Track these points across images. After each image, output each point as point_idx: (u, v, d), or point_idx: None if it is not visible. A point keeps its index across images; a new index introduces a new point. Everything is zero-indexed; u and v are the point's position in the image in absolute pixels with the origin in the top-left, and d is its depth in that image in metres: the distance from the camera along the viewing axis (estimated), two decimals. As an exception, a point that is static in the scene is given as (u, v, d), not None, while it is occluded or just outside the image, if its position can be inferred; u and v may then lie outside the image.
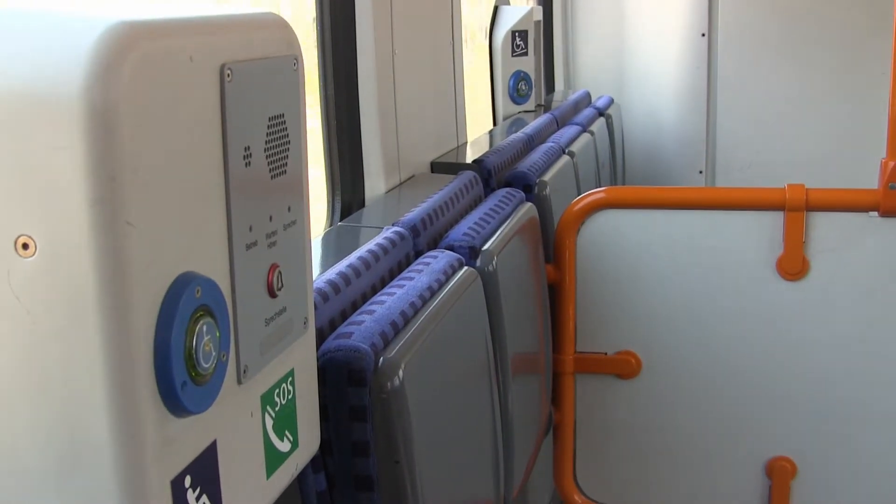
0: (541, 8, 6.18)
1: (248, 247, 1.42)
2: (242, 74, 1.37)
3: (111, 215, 1.12)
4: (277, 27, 1.54)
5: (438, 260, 2.48)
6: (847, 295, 3.62)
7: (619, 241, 3.68)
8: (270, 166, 1.47)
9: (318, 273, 2.24)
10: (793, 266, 3.60)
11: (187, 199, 1.26)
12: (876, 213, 3.57)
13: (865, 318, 3.62)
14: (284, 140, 1.51)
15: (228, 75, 1.33)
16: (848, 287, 3.62)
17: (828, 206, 3.58)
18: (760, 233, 3.60)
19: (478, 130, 4.97)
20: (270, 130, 1.47)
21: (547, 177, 3.87)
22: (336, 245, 2.88)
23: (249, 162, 1.40)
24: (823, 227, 3.59)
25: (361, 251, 2.38)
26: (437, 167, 3.90)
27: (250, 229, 1.42)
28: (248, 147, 1.40)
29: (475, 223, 2.89)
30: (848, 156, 6.31)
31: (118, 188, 1.12)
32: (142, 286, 1.17)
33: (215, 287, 1.31)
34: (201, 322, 1.26)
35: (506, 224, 3.06)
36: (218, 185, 1.34)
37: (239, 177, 1.37)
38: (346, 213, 3.35)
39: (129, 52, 1.13)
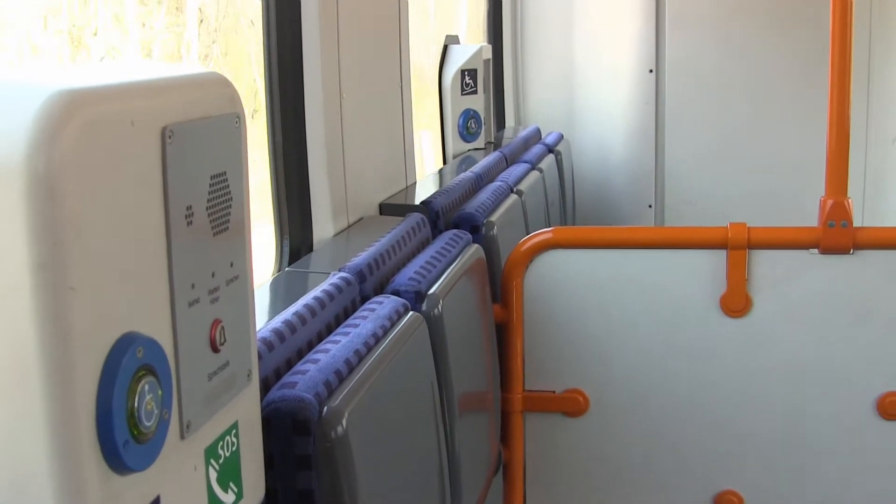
0: (490, 46, 6.23)
1: (191, 304, 1.44)
2: (184, 135, 1.39)
3: (54, 280, 1.15)
4: (219, 85, 1.57)
5: (384, 306, 2.51)
6: (790, 331, 3.69)
7: (566, 280, 3.72)
8: (213, 223, 1.50)
9: (265, 320, 2.27)
10: (736, 303, 3.65)
11: (129, 260, 1.29)
12: (816, 251, 3.64)
13: (808, 353, 3.68)
14: (227, 197, 1.53)
15: (170, 137, 1.36)
16: (790, 323, 3.68)
17: (769, 244, 3.65)
18: (704, 271, 3.66)
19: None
20: (212, 188, 1.49)
21: (494, 217, 3.91)
22: (284, 291, 2.91)
23: (191, 221, 1.43)
24: (765, 264, 3.65)
25: (307, 298, 2.41)
26: (386, 209, 3.93)
27: (192, 287, 1.44)
28: (190, 206, 1.42)
29: (421, 267, 2.92)
30: (793, 189, 6.40)
31: (61, 253, 1.15)
32: (84, 348, 1.19)
33: (157, 346, 1.33)
34: (143, 381, 1.28)
35: (452, 266, 3.09)
36: (160, 246, 1.36)
37: (181, 236, 1.40)
38: (294, 257, 3.36)
39: (71, 120, 1.16)
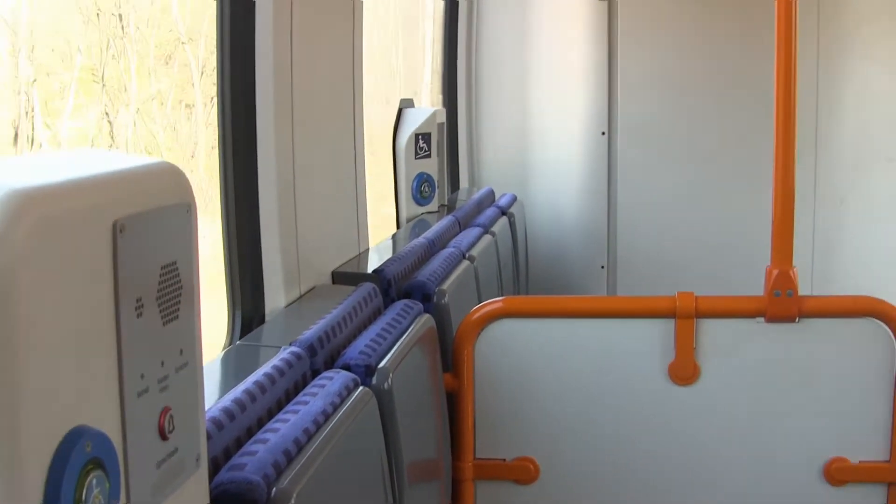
0: (444, 110, 6.29)
1: (140, 394, 1.45)
2: (135, 228, 1.41)
3: (4, 376, 1.16)
4: (170, 175, 1.59)
5: (334, 381, 2.52)
6: (737, 398, 3.73)
7: (516, 349, 3.75)
8: (162, 314, 1.51)
9: (216, 397, 2.27)
10: (684, 371, 3.70)
11: (79, 354, 1.30)
12: (762, 319, 3.70)
13: (756, 420, 3.73)
14: (177, 286, 1.55)
15: (121, 231, 1.38)
16: (738, 391, 3.73)
17: (716, 313, 3.70)
18: (653, 340, 3.70)
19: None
20: (163, 279, 1.51)
21: (446, 285, 3.93)
22: (234, 366, 2.92)
23: (141, 313, 1.44)
24: (713, 333, 3.70)
25: (258, 374, 2.42)
26: (338, 277, 3.95)
27: (142, 377, 1.46)
28: (140, 298, 1.44)
29: (372, 339, 2.94)
30: (743, 250, 6.46)
31: (12, 350, 1.16)
32: (33, 444, 1.21)
33: (106, 440, 1.34)
34: (91, 475, 1.29)
35: (403, 338, 3.11)
36: (109, 338, 1.37)
37: (130, 328, 1.41)
38: (246, 328, 3.37)
39: (23, 219, 1.18)
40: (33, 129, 3.29)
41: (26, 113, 3.26)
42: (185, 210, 1.60)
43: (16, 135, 3.26)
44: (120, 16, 3.75)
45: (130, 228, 1.40)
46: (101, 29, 3.64)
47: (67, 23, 3.58)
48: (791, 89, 3.66)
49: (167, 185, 1.57)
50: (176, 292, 1.55)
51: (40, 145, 3.34)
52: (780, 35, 3.66)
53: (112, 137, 3.66)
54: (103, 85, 3.64)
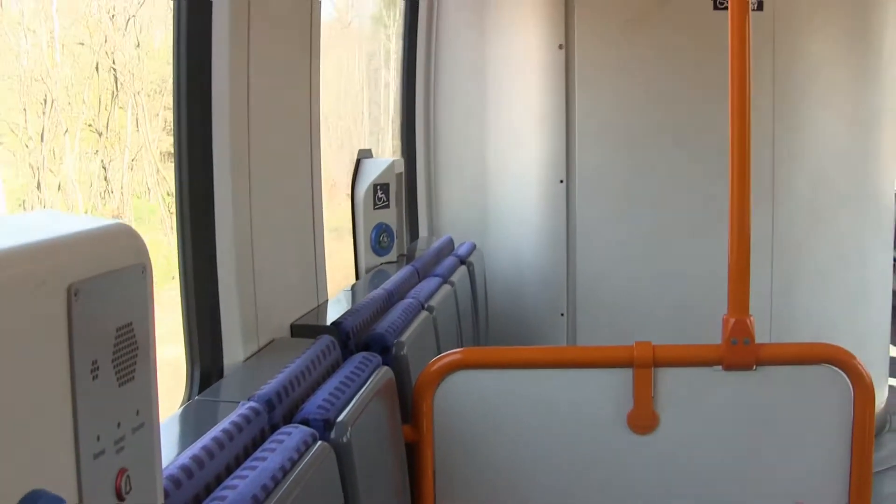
0: (402, 160, 6.31)
1: (96, 456, 1.45)
2: (90, 292, 1.42)
3: None
4: (125, 237, 1.60)
5: (292, 437, 2.52)
6: (696, 446, 3.75)
7: (475, 400, 3.76)
8: (118, 375, 1.52)
9: (175, 454, 2.27)
10: (643, 420, 3.72)
11: (35, 417, 1.30)
12: (720, 367, 3.73)
13: (715, 468, 3.75)
14: (133, 348, 1.56)
15: (76, 294, 1.38)
16: (697, 439, 3.75)
17: (674, 361, 3.73)
18: (611, 389, 3.72)
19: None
20: (118, 341, 1.52)
21: (405, 336, 3.94)
22: (194, 421, 2.91)
23: (97, 375, 1.45)
24: (671, 382, 3.73)
25: (216, 430, 2.42)
26: (297, 330, 3.94)
27: (98, 439, 1.46)
28: (96, 360, 1.44)
29: (330, 393, 2.94)
30: (701, 298, 6.50)
31: None
32: (-13, 510, 1.21)
33: (62, 503, 1.34)
34: (46, 539, 1.30)
35: (362, 391, 3.12)
36: (65, 402, 1.38)
37: (86, 391, 1.42)
38: (205, 383, 3.37)
39: None
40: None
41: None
42: (141, 271, 1.61)
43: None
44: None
45: (85, 292, 1.41)
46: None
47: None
48: (745, 138, 3.71)
49: (122, 246, 1.58)
50: (132, 353, 1.56)
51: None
52: (734, 84, 3.71)
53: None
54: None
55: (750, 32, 3.72)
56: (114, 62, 3.74)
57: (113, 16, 3.77)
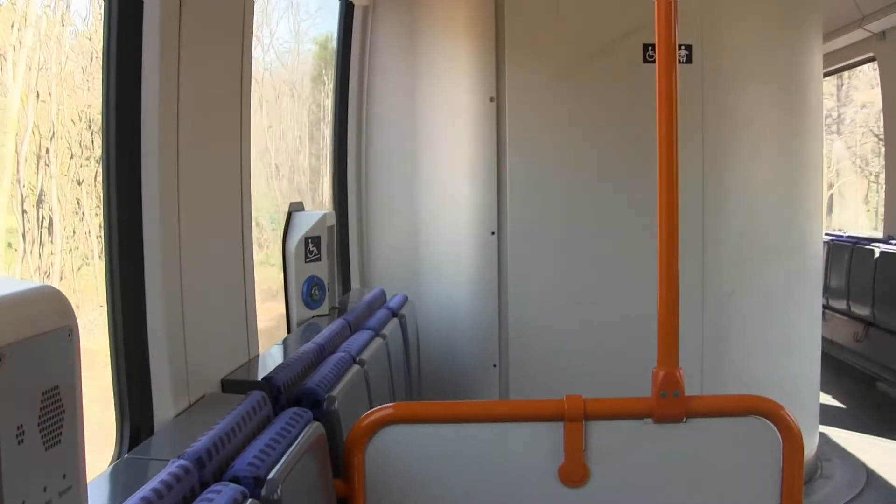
0: (334, 213, 6.32)
1: (22, 521, 1.44)
2: (15, 357, 1.41)
3: None
4: (52, 300, 1.59)
5: (222, 495, 2.51)
6: (627, 499, 3.77)
7: (407, 454, 3.75)
8: (44, 439, 1.50)
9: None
10: (574, 474, 3.73)
11: (-43, 484, 1.29)
12: (650, 420, 3.75)
13: None
14: (59, 411, 1.54)
15: (0, 360, 1.37)
16: (628, 492, 3.77)
17: (605, 415, 3.75)
18: (542, 443, 3.73)
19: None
20: (44, 405, 1.50)
21: (336, 391, 3.94)
22: (122, 481, 2.88)
23: (22, 439, 1.43)
24: (602, 435, 3.75)
25: (145, 489, 2.39)
26: (228, 385, 3.92)
27: None
28: (21, 425, 1.43)
29: (261, 450, 2.93)
30: (631, 349, 6.54)
31: None
32: None
33: None
34: None
35: (293, 447, 3.11)
36: None
37: (11, 455, 1.40)
38: (135, 440, 3.33)
39: None
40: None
41: None
42: (67, 334, 1.60)
43: None
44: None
45: (10, 357, 1.39)
46: None
47: None
48: (674, 190, 3.76)
49: (48, 310, 1.57)
50: (58, 417, 1.54)
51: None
52: (661, 136, 3.76)
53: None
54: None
55: (677, 85, 3.78)
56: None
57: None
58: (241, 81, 4.23)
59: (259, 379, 3.90)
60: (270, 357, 4.49)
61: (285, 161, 6.75)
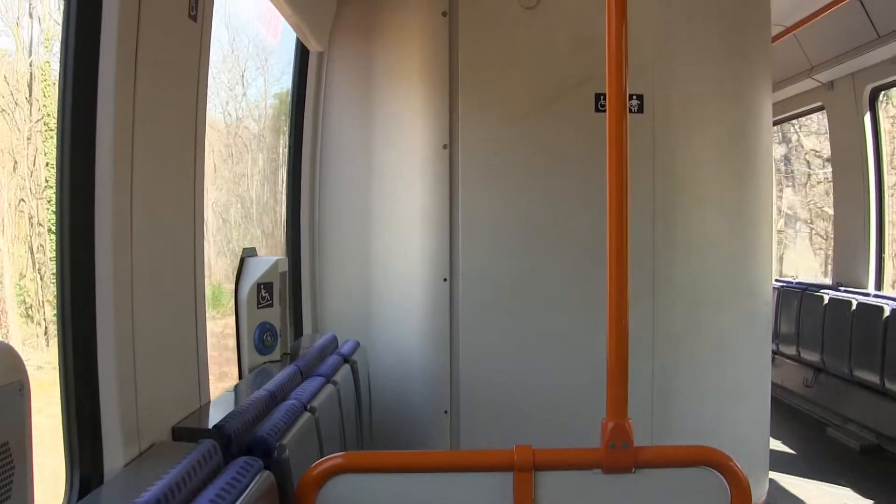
0: (287, 259, 6.32)
1: (-31, 578, 1.44)
2: (-35, 413, 1.41)
3: None
4: (2, 355, 1.59)
5: (171, 547, 2.50)
6: None
7: (358, 503, 3.75)
8: (-7, 496, 1.50)
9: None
10: None
11: None
12: (600, 470, 3.78)
13: None
14: (9, 467, 1.55)
15: None
16: None
17: (554, 465, 3.77)
18: (492, 493, 3.74)
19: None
20: (-6, 461, 1.50)
21: (287, 439, 3.94)
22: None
23: (-30, 497, 1.44)
24: (551, 485, 3.76)
25: (93, 542, 2.39)
26: (178, 433, 3.91)
27: None
28: (-30, 482, 1.43)
29: (211, 500, 2.93)
30: (581, 397, 6.57)
31: None
32: None
33: None
34: None
35: (243, 497, 3.11)
36: None
37: None
38: (84, 489, 3.31)
39: None
40: None
41: None
42: (18, 389, 1.60)
43: None
44: None
45: None
46: None
47: None
48: (623, 238, 3.80)
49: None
50: (8, 473, 1.54)
51: None
52: (611, 185, 3.80)
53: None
54: None
55: (627, 134, 3.83)
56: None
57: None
58: (195, 125, 4.24)
59: (210, 427, 3.89)
60: (222, 404, 4.47)
61: (242, 205, 6.75)
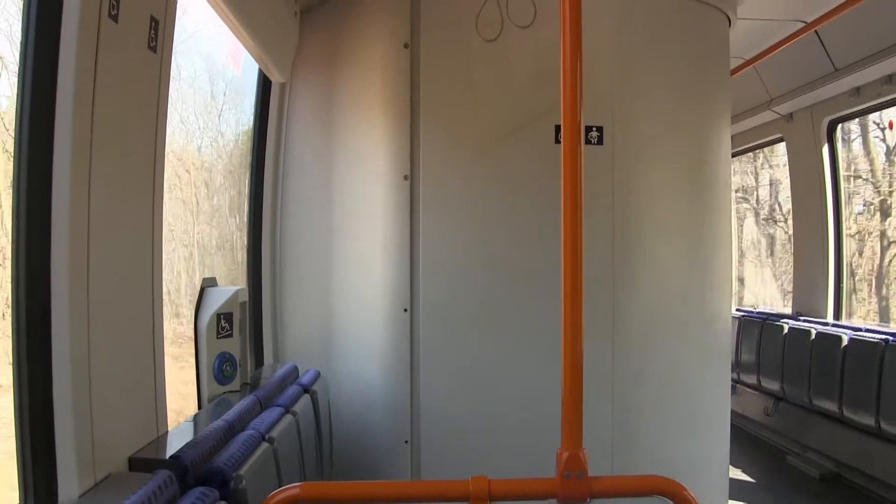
0: (247, 289, 6.32)
1: None
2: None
3: None
4: None
5: (123, 578, 2.51)
6: None
7: None
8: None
9: None
10: None
11: None
12: (555, 501, 3.80)
13: None
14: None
15: None
16: None
17: (509, 495, 3.79)
18: None
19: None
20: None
21: (244, 469, 3.94)
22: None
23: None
24: None
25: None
26: (135, 463, 3.90)
27: None
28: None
29: (165, 532, 2.93)
30: (540, 428, 6.58)
31: None
32: None
33: None
34: None
35: (198, 528, 3.11)
36: None
37: None
38: (38, 520, 3.31)
39: None
40: None
41: None
42: None
43: None
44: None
45: None
46: None
47: None
48: (578, 269, 3.83)
49: None
50: None
51: None
52: (566, 217, 3.84)
53: None
54: None
55: (581, 166, 3.86)
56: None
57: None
58: (154, 156, 4.26)
59: (167, 457, 3.89)
60: (180, 434, 4.47)
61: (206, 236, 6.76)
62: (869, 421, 9.49)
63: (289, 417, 5.18)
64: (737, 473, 10.05)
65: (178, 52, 4.61)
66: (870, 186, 14.31)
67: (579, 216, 3.83)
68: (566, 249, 3.82)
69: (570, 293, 3.82)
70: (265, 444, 4.45)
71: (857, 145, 14.38)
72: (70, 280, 3.49)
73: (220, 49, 6.60)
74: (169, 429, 4.45)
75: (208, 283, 5.87)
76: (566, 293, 3.83)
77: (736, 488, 8.54)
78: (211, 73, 6.55)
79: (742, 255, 17.08)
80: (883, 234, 14.59)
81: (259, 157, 7.06)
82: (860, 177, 14.22)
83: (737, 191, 16.33)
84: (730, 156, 7.82)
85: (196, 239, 6.40)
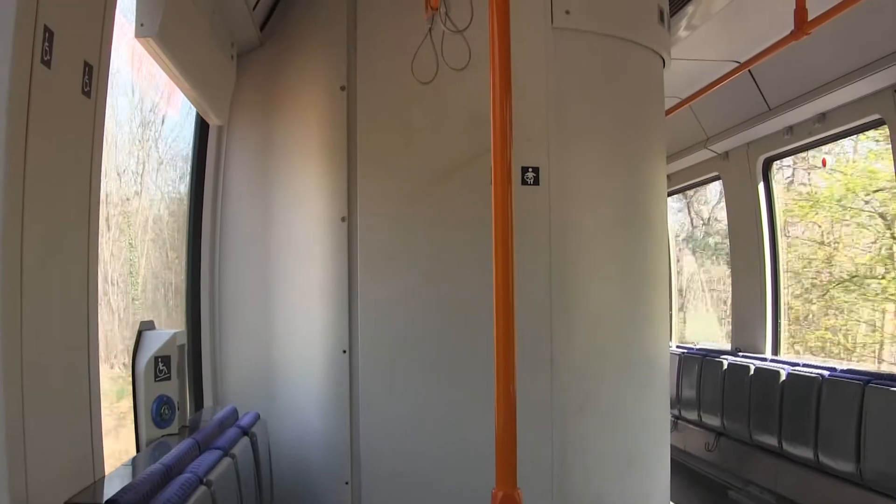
0: (185, 331, 6.31)
1: None
2: None
3: None
4: None
5: None
6: None
7: None
8: None
9: None
10: None
11: None
12: (492, 538, 3.83)
13: None
14: None
15: None
16: None
17: None
18: None
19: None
20: None
21: (180, 514, 3.93)
22: None
23: None
24: None
25: None
26: None
27: None
28: None
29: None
30: (479, 468, 6.59)
31: None
32: None
33: None
34: None
35: (131, 572, 3.10)
36: None
37: None
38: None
39: None
40: None
41: None
42: None
43: None
44: None
45: None
46: None
47: None
48: (509, 304, 3.87)
49: None
50: None
51: None
52: (497, 257, 3.88)
53: None
54: None
55: (512, 206, 3.90)
56: None
57: None
58: (89, 200, 4.25)
59: (103, 502, 3.87)
60: (117, 478, 4.45)
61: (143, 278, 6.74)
62: (808, 454, 9.58)
63: (227, 460, 5.17)
64: (679, 509, 10.12)
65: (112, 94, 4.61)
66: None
67: (510, 254, 3.87)
68: (498, 288, 3.86)
69: (503, 331, 3.85)
70: (203, 488, 4.44)
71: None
72: (3, 325, 3.48)
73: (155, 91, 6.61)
74: (106, 473, 4.43)
75: (146, 327, 5.85)
76: (499, 331, 3.86)
77: (678, 524, 8.59)
78: (144, 116, 6.55)
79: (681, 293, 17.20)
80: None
81: (196, 199, 7.05)
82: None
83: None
84: (666, 194, 7.91)
85: (139, 281, 6.38)
